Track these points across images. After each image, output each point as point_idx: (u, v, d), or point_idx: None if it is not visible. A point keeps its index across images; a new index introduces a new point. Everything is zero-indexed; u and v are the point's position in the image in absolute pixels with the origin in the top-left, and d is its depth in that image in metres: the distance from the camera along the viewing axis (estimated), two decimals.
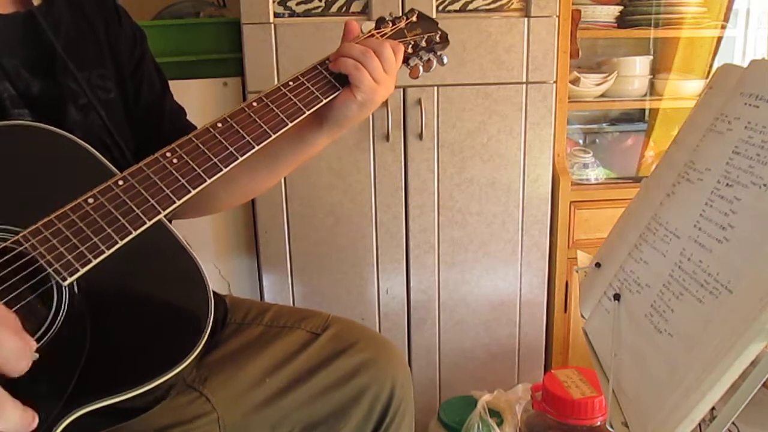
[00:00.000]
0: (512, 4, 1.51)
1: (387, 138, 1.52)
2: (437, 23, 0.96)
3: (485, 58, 1.51)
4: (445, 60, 0.95)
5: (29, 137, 0.69)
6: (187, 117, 0.98)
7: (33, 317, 0.61)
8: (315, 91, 0.81)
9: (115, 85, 0.85)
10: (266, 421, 0.86)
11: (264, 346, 0.91)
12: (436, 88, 1.52)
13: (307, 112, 0.80)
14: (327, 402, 0.89)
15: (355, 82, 0.82)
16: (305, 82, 0.82)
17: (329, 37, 1.45)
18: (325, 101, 0.82)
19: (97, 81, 0.83)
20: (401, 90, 1.51)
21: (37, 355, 0.54)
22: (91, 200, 0.64)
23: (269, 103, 0.78)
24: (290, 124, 0.78)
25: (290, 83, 0.81)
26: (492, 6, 1.51)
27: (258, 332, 0.93)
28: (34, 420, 0.53)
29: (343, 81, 0.83)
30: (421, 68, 0.94)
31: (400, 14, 0.94)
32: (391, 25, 0.91)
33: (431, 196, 1.58)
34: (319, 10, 1.47)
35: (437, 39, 0.94)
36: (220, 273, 1.64)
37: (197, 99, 1.53)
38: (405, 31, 0.91)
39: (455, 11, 1.50)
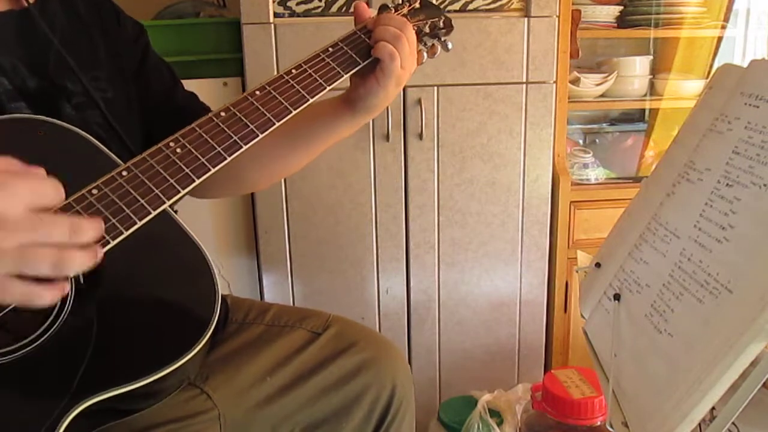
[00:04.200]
0: (512, 4, 1.51)
1: (387, 138, 1.52)
2: (441, 8, 0.95)
3: (485, 58, 1.51)
4: (450, 45, 0.93)
5: (30, 129, 0.69)
6: None
7: (39, 309, 0.61)
8: (318, 78, 0.81)
9: (111, 86, 0.85)
10: (267, 420, 0.87)
11: (265, 346, 0.91)
12: (436, 88, 1.52)
13: (311, 100, 0.80)
14: (328, 402, 0.90)
15: (385, 61, 0.82)
16: (307, 69, 0.81)
17: (329, 37, 1.42)
18: (328, 88, 0.81)
19: (92, 82, 0.83)
20: (401, 90, 1.51)
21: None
22: (94, 191, 0.63)
23: (271, 91, 0.78)
24: (294, 112, 0.78)
25: (293, 71, 0.80)
26: (492, 6, 1.51)
27: (259, 331, 0.94)
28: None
29: (347, 68, 0.83)
30: (425, 54, 0.93)
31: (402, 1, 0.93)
32: (394, 11, 0.90)
33: (431, 196, 1.58)
34: (319, 10, 1.47)
35: (441, 25, 0.93)
36: (220, 272, 1.64)
37: None
38: (408, 17, 0.90)
39: (455, 11, 1.50)
